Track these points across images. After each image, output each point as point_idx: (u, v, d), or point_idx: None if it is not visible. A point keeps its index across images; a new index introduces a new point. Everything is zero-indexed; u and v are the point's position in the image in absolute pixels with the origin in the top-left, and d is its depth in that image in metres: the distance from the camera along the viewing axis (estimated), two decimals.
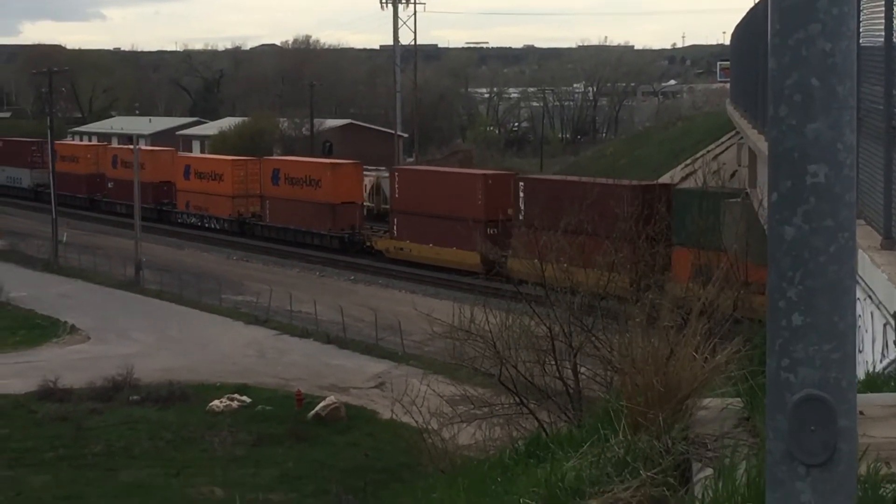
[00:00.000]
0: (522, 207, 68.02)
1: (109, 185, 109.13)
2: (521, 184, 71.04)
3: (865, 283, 10.62)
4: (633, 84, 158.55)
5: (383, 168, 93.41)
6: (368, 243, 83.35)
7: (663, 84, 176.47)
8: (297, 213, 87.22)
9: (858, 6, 11.99)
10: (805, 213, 3.65)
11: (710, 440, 5.83)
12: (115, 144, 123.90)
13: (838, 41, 3.65)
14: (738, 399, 6.14)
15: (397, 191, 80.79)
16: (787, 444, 3.66)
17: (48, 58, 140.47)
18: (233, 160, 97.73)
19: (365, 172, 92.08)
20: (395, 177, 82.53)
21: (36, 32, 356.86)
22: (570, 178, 74.05)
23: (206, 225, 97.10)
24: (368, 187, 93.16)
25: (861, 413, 5.98)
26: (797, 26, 3.65)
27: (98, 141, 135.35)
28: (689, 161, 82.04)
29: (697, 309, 6.53)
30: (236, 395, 50.84)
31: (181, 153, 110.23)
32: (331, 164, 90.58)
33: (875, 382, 7.52)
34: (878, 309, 10.09)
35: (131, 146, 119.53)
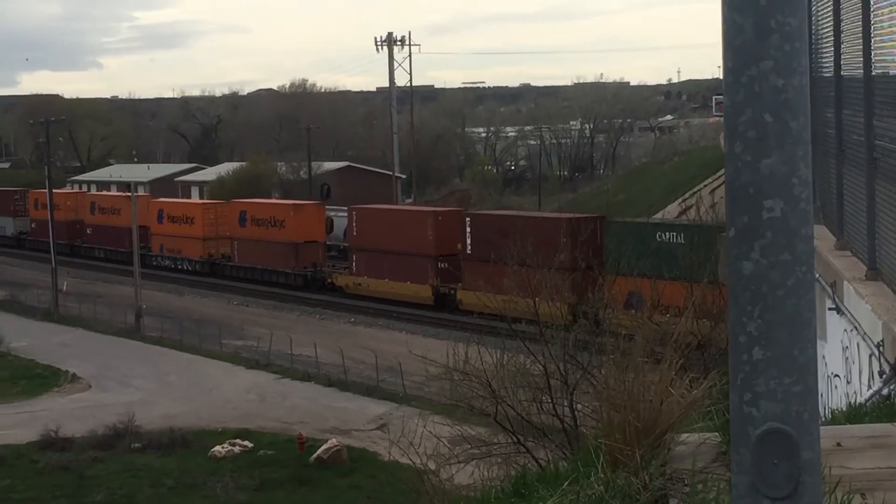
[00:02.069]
0: (469, 242, 71.73)
1: (88, 231, 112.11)
2: (468, 219, 73.94)
3: (851, 314, 10.64)
4: (629, 120, 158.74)
5: (343, 207, 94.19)
6: (329, 280, 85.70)
7: (659, 119, 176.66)
8: (264, 253, 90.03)
9: (838, 38, 12.07)
10: (762, 248, 3.68)
11: (687, 475, 5.84)
12: (114, 192, 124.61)
13: (791, 77, 3.68)
14: (716, 434, 6.15)
15: (355, 229, 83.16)
16: (751, 478, 3.68)
17: (46, 107, 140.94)
18: (203, 204, 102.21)
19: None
20: (352, 215, 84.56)
21: (34, 83, 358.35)
22: (510, 212, 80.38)
23: (179, 267, 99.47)
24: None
25: (839, 444, 6.00)
26: (749, 63, 3.69)
27: (97, 189, 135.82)
28: (686, 195, 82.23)
29: (673, 341, 6.55)
30: (238, 440, 50.76)
31: (155, 199, 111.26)
32: (293, 205, 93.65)
33: (857, 414, 7.52)
34: (864, 340, 10.10)
35: (108, 193, 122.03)
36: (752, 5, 3.68)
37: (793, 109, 3.69)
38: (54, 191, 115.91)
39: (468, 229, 72.72)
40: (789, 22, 3.68)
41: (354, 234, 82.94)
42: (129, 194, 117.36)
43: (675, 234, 58.73)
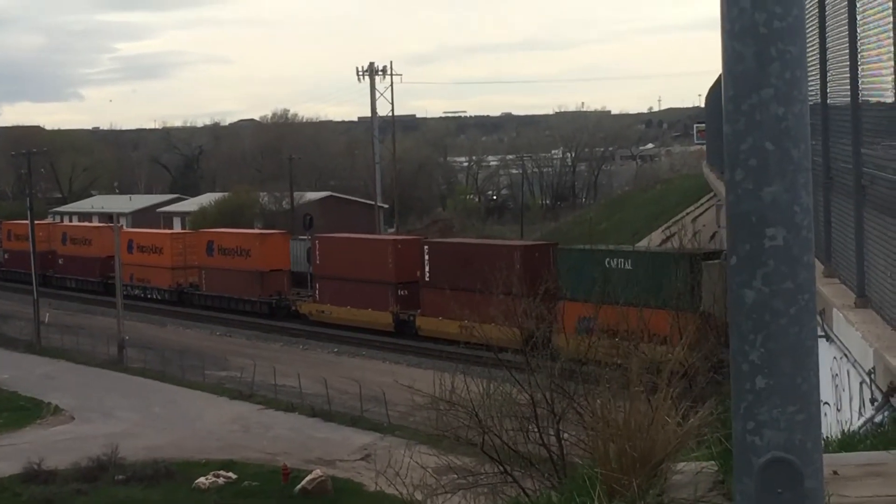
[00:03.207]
0: (428, 269, 73.57)
1: (60, 262, 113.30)
2: (426, 247, 75.66)
3: (841, 342, 10.64)
4: (610, 148, 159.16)
5: (305, 237, 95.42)
6: (294, 307, 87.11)
7: (641, 148, 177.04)
8: (230, 282, 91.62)
9: (824, 67, 12.11)
10: (764, 276, 3.68)
11: None
12: (98, 223, 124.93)
13: (791, 105, 3.69)
14: (713, 462, 6.14)
15: (318, 257, 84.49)
16: None
17: (27, 139, 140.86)
18: (171, 234, 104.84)
19: None
20: (316, 244, 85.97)
21: (15, 114, 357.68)
22: (466, 240, 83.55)
23: (148, 296, 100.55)
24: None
25: (835, 473, 5.98)
26: (750, 91, 3.69)
27: (79, 220, 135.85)
28: (668, 224, 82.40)
29: (669, 370, 6.54)
30: (222, 472, 50.59)
31: (126, 228, 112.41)
32: (259, 234, 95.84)
33: (851, 441, 7.52)
34: (854, 367, 10.10)
35: (79, 224, 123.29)
36: (752, 34, 3.68)
37: (794, 137, 3.70)
38: (25, 222, 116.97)
39: (426, 257, 74.52)
40: (790, 50, 3.69)
41: (318, 262, 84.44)
42: (100, 225, 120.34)
43: (623, 260, 60.44)
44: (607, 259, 60.90)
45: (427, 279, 74.09)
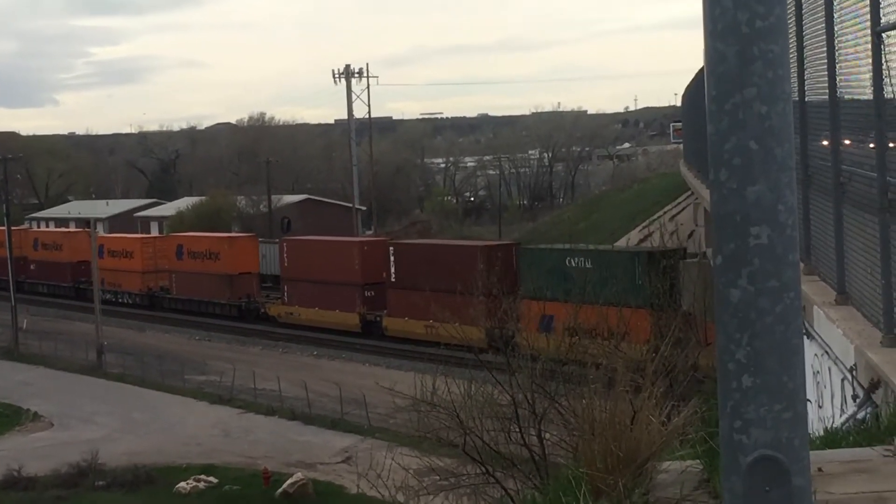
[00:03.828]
0: (393, 270, 74.74)
1: (32, 267, 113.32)
2: (392, 248, 76.80)
3: (822, 339, 10.67)
4: (587, 148, 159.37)
5: (275, 240, 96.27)
6: (263, 310, 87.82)
7: (618, 147, 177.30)
8: (200, 285, 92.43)
9: (801, 66, 12.15)
10: (750, 275, 3.68)
11: None
12: (72, 228, 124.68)
13: (774, 104, 3.70)
14: (698, 461, 6.14)
15: (286, 259, 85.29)
16: None
17: (2, 145, 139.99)
18: (142, 238, 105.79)
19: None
20: (283, 247, 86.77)
21: None
22: (430, 241, 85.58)
23: (120, 300, 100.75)
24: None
25: (820, 470, 5.99)
26: (733, 91, 3.70)
27: (56, 226, 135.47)
28: (646, 223, 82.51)
29: (652, 370, 6.55)
30: (203, 476, 50.50)
31: (101, 234, 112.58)
32: (228, 237, 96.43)
33: (834, 438, 7.53)
34: (836, 364, 10.13)
35: (50, 229, 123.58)
36: (734, 33, 3.69)
37: (777, 136, 3.71)
38: None
39: (392, 258, 75.49)
40: (772, 49, 3.69)
41: (286, 264, 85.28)
42: (70, 230, 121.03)
43: (583, 259, 61.23)
44: (567, 258, 62.02)
45: (393, 280, 75.08)
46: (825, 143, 11.27)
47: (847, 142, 10.47)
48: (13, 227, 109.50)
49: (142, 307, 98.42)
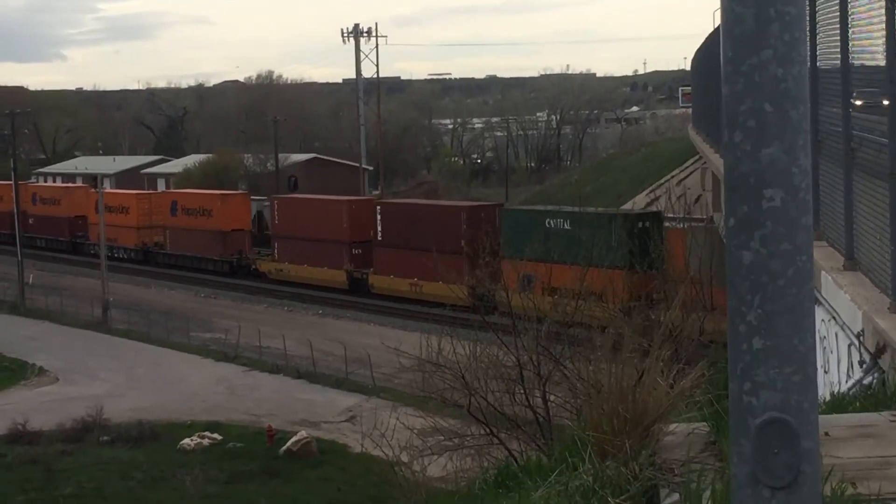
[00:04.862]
0: (380, 229, 76.77)
1: (30, 221, 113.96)
2: (378, 207, 78.92)
3: (829, 305, 10.67)
4: (595, 111, 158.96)
5: (266, 198, 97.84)
6: (254, 266, 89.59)
7: (626, 111, 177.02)
8: (193, 241, 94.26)
9: (814, 30, 12.10)
10: (762, 238, 3.67)
11: (676, 465, 5.84)
12: (80, 184, 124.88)
13: (790, 66, 3.68)
14: (704, 423, 6.15)
15: (277, 217, 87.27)
16: (752, 468, 3.68)
17: (10, 99, 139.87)
18: (137, 194, 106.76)
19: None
20: (275, 205, 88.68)
21: None
22: (416, 201, 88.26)
23: (115, 255, 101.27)
24: (252, 215, 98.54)
25: (826, 434, 6.01)
26: (749, 53, 3.68)
27: (63, 181, 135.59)
28: (653, 187, 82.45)
29: (660, 334, 6.55)
30: (207, 433, 50.62)
31: (93, 189, 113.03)
32: (220, 195, 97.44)
33: (840, 403, 7.54)
34: (843, 330, 10.13)
35: (48, 184, 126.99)
36: None
37: (793, 98, 3.69)
38: None
39: (379, 217, 77.26)
40: (789, 11, 3.67)
41: (276, 222, 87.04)
42: (68, 185, 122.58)
43: (561, 220, 62.77)
44: (547, 219, 63.32)
45: (379, 239, 76.80)
46: (836, 109, 11.24)
47: (858, 103, 10.44)
48: (9, 182, 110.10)
49: (136, 262, 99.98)
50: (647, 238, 47.97)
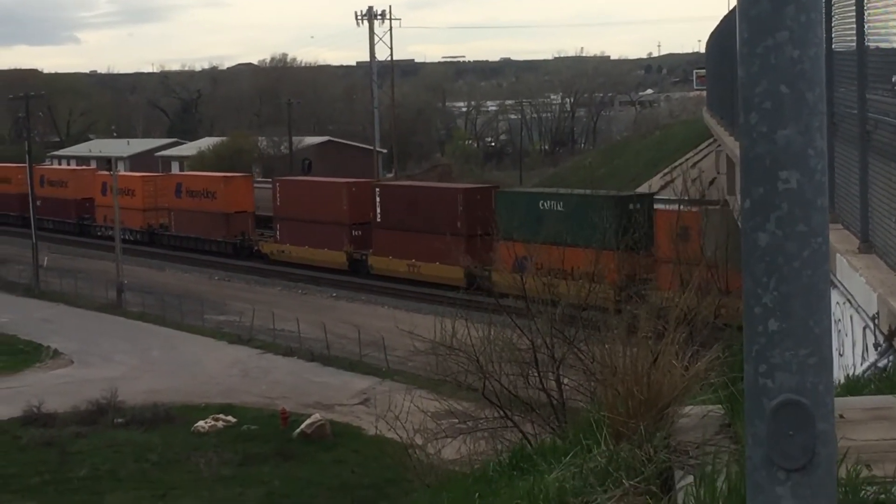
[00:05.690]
0: (379, 211, 78.01)
1: (38, 204, 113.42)
2: (377, 189, 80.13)
3: (844, 287, 10.65)
4: (610, 94, 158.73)
5: (267, 180, 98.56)
6: (256, 247, 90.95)
7: (640, 93, 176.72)
8: (197, 223, 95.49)
9: (830, 12, 12.06)
10: (778, 219, 3.66)
11: (691, 448, 5.84)
12: (93, 166, 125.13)
13: (806, 48, 3.66)
14: (719, 406, 6.15)
15: (279, 199, 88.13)
16: (767, 450, 3.67)
17: (25, 82, 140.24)
18: (142, 176, 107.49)
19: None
20: (276, 187, 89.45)
21: (12, 57, 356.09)
22: (414, 183, 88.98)
23: (122, 237, 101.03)
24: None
25: (841, 416, 6.00)
26: (765, 34, 3.66)
27: (77, 164, 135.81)
28: (667, 170, 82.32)
29: (675, 316, 6.55)
30: (221, 416, 50.76)
31: (99, 171, 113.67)
32: (224, 177, 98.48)
33: (855, 386, 7.54)
34: (858, 312, 10.12)
35: (56, 167, 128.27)
36: None
37: (809, 80, 3.67)
38: (7, 165, 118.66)
39: (378, 199, 78.42)
40: None
41: (278, 204, 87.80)
42: (76, 168, 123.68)
43: (555, 202, 63.47)
44: (541, 201, 63.92)
45: (378, 220, 77.99)
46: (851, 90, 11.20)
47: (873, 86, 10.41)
48: (19, 165, 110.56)
49: (142, 244, 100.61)
50: (640, 219, 48.75)
